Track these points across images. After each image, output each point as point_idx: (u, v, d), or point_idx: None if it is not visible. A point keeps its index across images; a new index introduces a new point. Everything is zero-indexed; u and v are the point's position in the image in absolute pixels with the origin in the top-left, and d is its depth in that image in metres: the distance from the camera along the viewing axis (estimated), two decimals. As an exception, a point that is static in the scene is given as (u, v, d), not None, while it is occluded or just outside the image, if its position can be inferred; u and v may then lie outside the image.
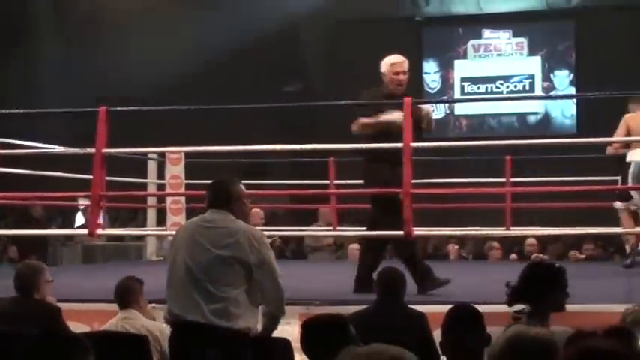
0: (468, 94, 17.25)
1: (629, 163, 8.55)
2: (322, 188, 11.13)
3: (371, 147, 8.03)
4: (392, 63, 7.23)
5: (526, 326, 2.64)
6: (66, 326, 5.19)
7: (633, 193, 8.57)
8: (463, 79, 17.28)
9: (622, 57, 15.64)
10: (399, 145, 6.90)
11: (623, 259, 9.31)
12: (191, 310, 4.66)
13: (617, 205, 8.81)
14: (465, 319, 4.27)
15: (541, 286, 4.53)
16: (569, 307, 5.95)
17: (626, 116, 8.76)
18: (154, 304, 5.93)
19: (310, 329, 4.09)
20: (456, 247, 12.13)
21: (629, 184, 8.44)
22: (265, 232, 5.24)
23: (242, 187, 5.01)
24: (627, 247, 9.16)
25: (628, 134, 8.59)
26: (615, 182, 9.04)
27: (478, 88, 17.15)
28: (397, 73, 7.21)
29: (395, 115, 7.04)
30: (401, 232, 6.82)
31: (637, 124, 8.61)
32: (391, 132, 7.01)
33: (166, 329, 5.27)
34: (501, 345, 2.58)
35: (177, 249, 4.85)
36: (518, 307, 4.57)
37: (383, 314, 5.40)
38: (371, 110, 7.16)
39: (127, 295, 5.52)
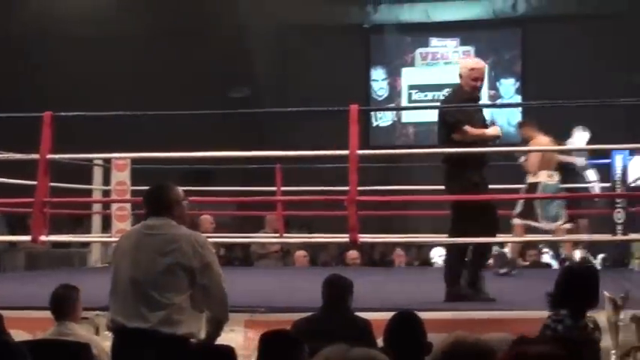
0: (415, 101, 17.33)
1: (534, 184, 9.24)
2: (269, 195, 11.11)
3: (319, 154, 8.07)
4: (472, 68, 7.17)
5: (466, 333, 2.66)
6: (7, 334, 5.13)
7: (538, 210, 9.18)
8: (410, 87, 17.37)
9: (567, 66, 15.82)
10: (345, 152, 6.92)
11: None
12: (135, 318, 4.63)
13: (517, 221, 9.28)
14: (406, 327, 4.29)
15: (578, 290, 4.73)
16: (507, 313, 6.04)
17: (531, 142, 9.48)
18: (97, 312, 5.89)
19: (268, 344, 4.08)
20: (402, 253, 12.16)
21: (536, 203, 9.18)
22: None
23: (180, 191, 4.98)
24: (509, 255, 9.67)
25: (538, 158, 9.25)
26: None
27: (425, 95, 17.23)
28: (476, 79, 7.14)
29: (494, 130, 7.25)
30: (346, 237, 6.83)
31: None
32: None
33: (101, 342, 5.24)
34: (441, 351, 2.60)
35: (121, 257, 4.82)
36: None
37: (328, 320, 5.39)
38: (472, 118, 7.16)
39: (62, 306, 5.43)
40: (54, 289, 5.53)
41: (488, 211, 7.08)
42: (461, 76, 7.18)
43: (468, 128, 7.02)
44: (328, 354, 2.63)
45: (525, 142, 9.69)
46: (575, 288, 4.80)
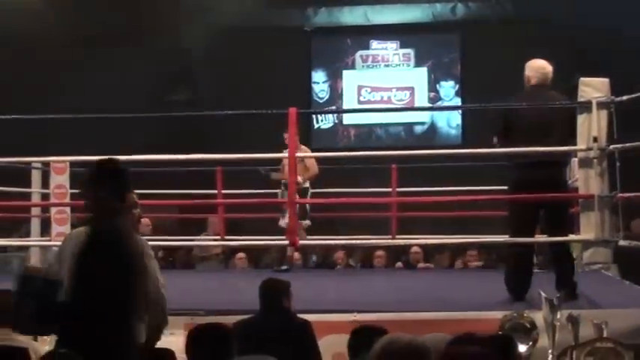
0: (362, 102, 17.41)
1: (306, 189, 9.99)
2: (210, 198, 11.11)
3: (258, 157, 8.07)
4: (545, 72, 7.20)
5: (400, 333, 2.68)
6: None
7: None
8: (360, 87, 17.44)
9: (505, 69, 15.91)
10: (284, 154, 6.94)
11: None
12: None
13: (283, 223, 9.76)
14: (367, 336, 4.31)
15: None
16: (447, 314, 6.09)
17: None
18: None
19: (196, 338, 4.09)
20: (342, 254, 12.16)
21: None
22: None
23: (131, 196, 4.95)
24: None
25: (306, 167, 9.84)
26: (499, 192, 9.26)
27: (373, 96, 17.34)
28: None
29: None
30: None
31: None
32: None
33: (39, 347, 5.20)
34: (377, 351, 2.62)
35: (63, 260, 4.78)
36: None
37: (266, 322, 5.42)
38: None
39: (1, 312, 5.37)
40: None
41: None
42: (532, 77, 7.21)
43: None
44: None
45: None
46: None
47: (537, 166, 6.91)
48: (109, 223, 4.30)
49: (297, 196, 9.37)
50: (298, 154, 8.85)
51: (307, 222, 10.03)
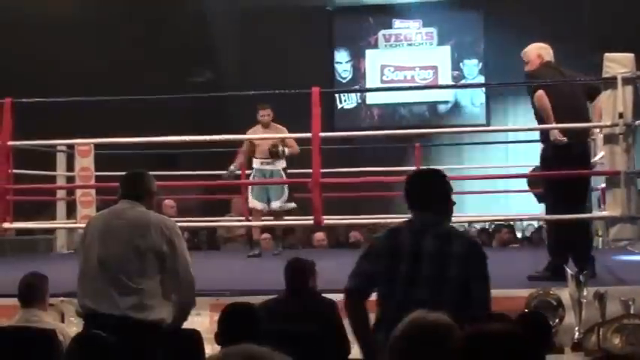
0: (385, 82, 17.36)
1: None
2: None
3: (281, 136, 8.05)
4: (551, 52, 7.28)
5: (425, 311, 2.66)
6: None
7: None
8: (383, 66, 17.38)
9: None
10: (307, 134, 6.92)
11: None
12: (104, 303, 4.61)
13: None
14: None
15: None
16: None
17: (271, 127, 9.46)
18: (62, 298, 5.87)
19: (229, 315, 4.09)
20: (358, 234, 12.07)
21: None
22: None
23: (153, 179, 4.99)
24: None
25: (252, 147, 9.55)
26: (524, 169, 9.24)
27: (396, 75, 17.28)
28: None
29: None
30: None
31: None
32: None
33: (66, 329, 5.23)
34: (401, 330, 2.60)
35: (89, 241, 4.79)
36: None
37: (292, 302, 5.41)
38: None
39: (30, 294, 5.39)
40: (23, 276, 5.48)
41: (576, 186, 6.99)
42: (540, 55, 7.29)
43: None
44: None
45: (267, 125, 9.51)
46: None
47: (580, 141, 6.93)
48: None
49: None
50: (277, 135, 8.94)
51: (292, 204, 9.66)
